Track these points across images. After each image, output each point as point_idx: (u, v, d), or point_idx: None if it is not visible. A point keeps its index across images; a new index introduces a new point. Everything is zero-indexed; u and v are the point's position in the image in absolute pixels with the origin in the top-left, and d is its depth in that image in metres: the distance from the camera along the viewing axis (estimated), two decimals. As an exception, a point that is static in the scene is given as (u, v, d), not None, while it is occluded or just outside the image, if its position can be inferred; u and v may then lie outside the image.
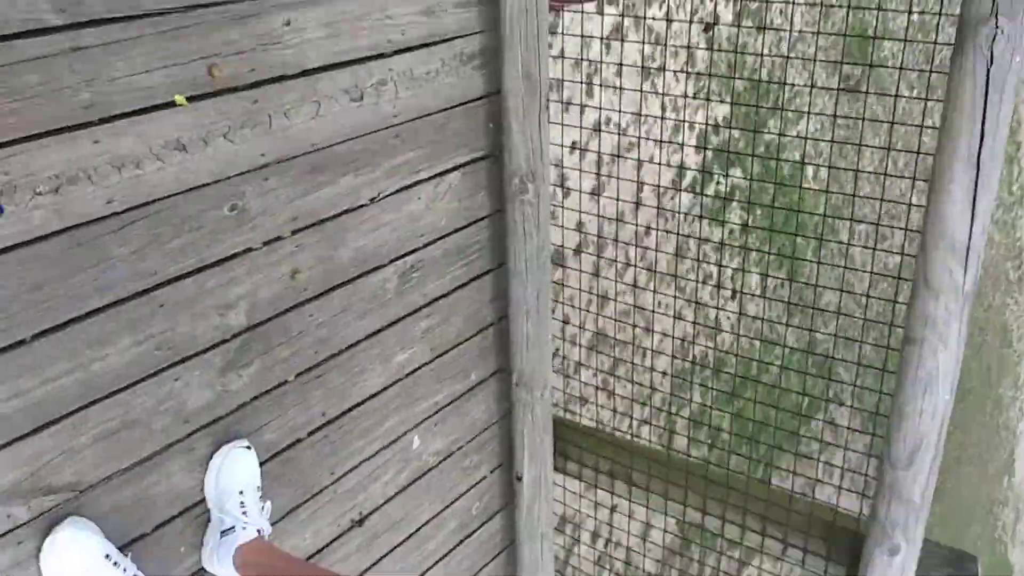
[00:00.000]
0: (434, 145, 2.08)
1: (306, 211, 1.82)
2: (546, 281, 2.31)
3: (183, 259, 1.60)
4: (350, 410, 2.02)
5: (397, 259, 2.06)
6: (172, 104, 1.56)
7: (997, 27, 1.55)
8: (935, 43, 2.03)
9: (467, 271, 2.26)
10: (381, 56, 1.90)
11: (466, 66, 2.10)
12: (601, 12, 4.14)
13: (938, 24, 2.08)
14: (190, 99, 1.60)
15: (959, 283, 1.69)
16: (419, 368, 2.18)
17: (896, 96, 2.23)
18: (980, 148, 1.61)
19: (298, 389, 1.88)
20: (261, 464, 1.82)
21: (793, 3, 2.22)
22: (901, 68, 2.24)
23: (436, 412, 2.27)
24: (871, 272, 2.28)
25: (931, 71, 2.09)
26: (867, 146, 2.53)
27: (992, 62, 1.57)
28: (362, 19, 1.84)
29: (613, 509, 3.69)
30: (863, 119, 2.42)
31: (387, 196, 2.00)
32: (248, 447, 1.75)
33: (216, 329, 1.68)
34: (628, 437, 2.47)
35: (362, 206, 1.95)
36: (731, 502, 2.29)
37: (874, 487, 1.96)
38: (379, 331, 2.04)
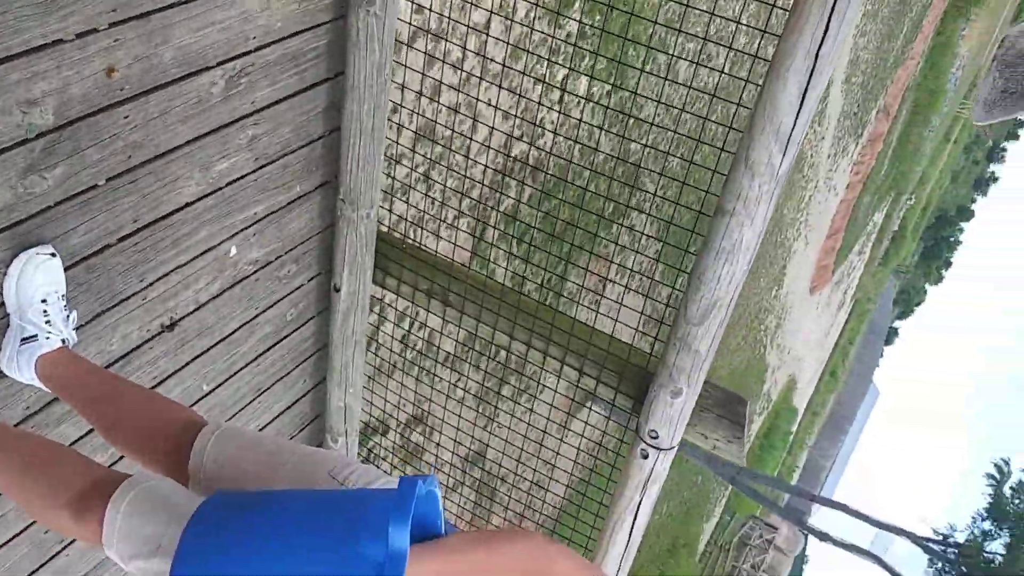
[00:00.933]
0: None
1: (127, 1, 1.63)
2: (384, 100, 2.23)
3: (-21, 47, 1.42)
4: (164, 218, 1.92)
5: (226, 61, 1.91)
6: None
7: None
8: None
9: (300, 79, 2.13)
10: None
11: None
12: None
13: None
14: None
15: (776, 166, 1.78)
16: (241, 178, 2.09)
17: None
18: (822, 42, 1.66)
19: (108, 194, 1.76)
20: (66, 270, 1.73)
21: None
22: None
23: (256, 222, 2.20)
24: (689, 87, 2.36)
25: None
26: None
27: None
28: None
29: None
30: None
31: (214, -6, 1.82)
32: (53, 254, 1.65)
33: (18, 127, 1.53)
34: (449, 261, 2.52)
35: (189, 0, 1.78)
36: (537, 330, 2.42)
37: (667, 333, 2.13)
38: (200, 137, 1.92)
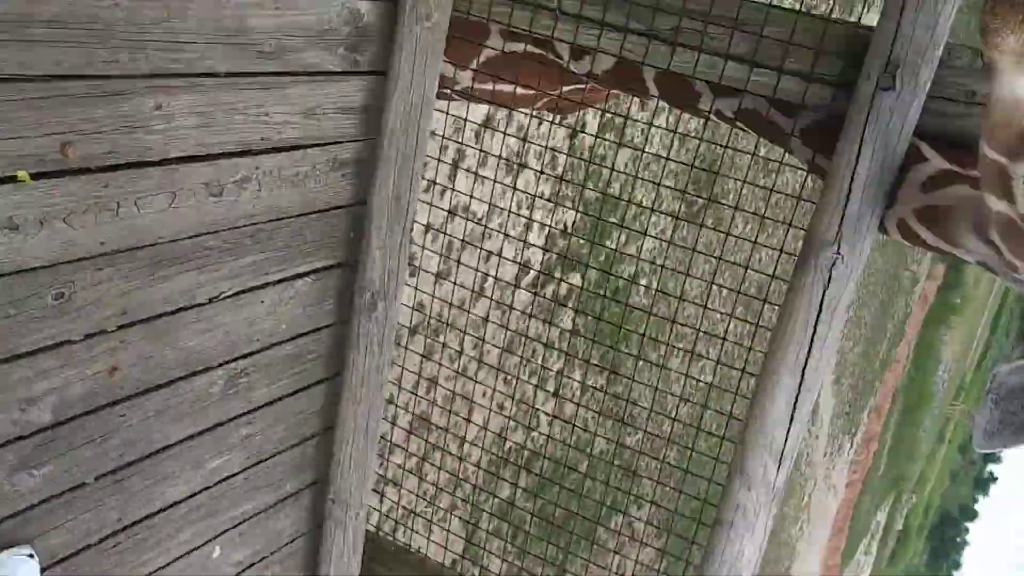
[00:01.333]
0: (288, 249, 2.02)
1: (137, 306, 1.71)
2: (379, 402, 2.26)
3: (-9, 347, 1.46)
4: (149, 517, 1.88)
5: (228, 362, 1.97)
6: (12, 179, 1.45)
7: (838, 253, 1.67)
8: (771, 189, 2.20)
9: (299, 379, 2.18)
10: (249, 153, 1.84)
11: (336, 172, 2.06)
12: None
13: (778, 168, 2.25)
14: (35, 176, 1.48)
15: (772, 479, 1.78)
16: (232, 476, 2.07)
17: (727, 234, 2.32)
18: (807, 360, 1.72)
19: (96, 492, 1.73)
20: (43, 571, 1.65)
21: (651, 125, 2.32)
22: (736, 208, 2.40)
23: (243, 522, 2.15)
24: (680, 398, 2.37)
25: (763, 216, 2.21)
26: (692, 277, 2.68)
27: (829, 284, 1.69)
28: (237, 112, 1.78)
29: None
30: (693, 250, 2.53)
31: (227, 297, 1.91)
32: (31, 555, 1.59)
33: (14, 424, 1.53)
34: (438, 564, 2.43)
35: (198, 305, 1.86)
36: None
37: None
38: (195, 436, 1.93)
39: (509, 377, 6.61)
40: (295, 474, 2.27)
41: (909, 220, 1.63)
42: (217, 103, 1.73)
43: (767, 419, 1.76)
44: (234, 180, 1.82)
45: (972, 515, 61.64)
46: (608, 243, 8.47)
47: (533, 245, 7.44)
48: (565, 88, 2.21)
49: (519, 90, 2.21)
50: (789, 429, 1.75)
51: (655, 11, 1.82)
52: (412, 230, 2.16)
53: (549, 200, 6.66)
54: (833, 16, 1.79)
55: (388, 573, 2.41)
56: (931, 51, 1.58)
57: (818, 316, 1.70)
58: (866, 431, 25.65)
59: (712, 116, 1.97)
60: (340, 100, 1.97)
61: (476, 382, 3.47)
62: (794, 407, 1.74)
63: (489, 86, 2.21)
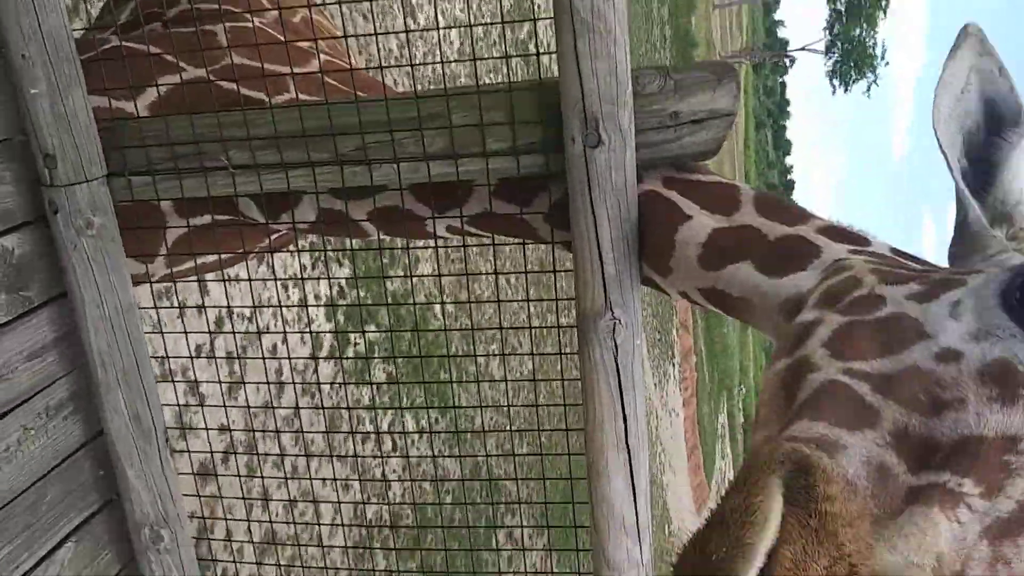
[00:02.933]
0: (30, 529, 1.70)
1: None
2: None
3: None
4: None
5: None
6: None
7: (614, 318, 1.58)
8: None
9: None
10: (-63, 457, 1.52)
11: (56, 419, 1.76)
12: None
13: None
14: None
15: (638, 559, 1.68)
16: None
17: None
18: (626, 431, 1.63)
19: None
20: None
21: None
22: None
23: None
24: (506, 380, 2.24)
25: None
26: (490, 273, 2.57)
27: (618, 351, 1.59)
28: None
29: None
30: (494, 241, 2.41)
31: (-20, 618, 1.58)
32: None
33: None
34: None
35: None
36: None
37: None
38: None
39: (344, 451, 6.32)
40: None
41: (693, 295, 1.54)
42: None
43: (612, 501, 1.65)
44: (-71, 495, 1.49)
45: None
46: (389, 282, 8.27)
47: (312, 320, 7.13)
48: (274, 237, 2.01)
49: (224, 256, 1.99)
50: (636, 503, 1.66)
51: (333, 137, 1.65)
52: (168, 440, 1.88)
53: (314, 267, 6.38)
54: (517, 80, 1.69)
55: None
56: (623, 93, 1.51)
57: (620, 387, 1.61)
58: (681, 348, 26.97)
59: (442, 234, 1.83)
60: (25, 347, 1.67)
61: (311, 479, 3.21)
62: (632, 482, 1.64)
63: (189, 263, 1.97)
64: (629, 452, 1.63)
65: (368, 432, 4.83)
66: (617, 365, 1.60)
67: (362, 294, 7.86)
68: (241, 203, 1.87)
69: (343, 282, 7.66)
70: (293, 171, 1.68)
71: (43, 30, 1.58)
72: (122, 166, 1.73)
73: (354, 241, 2.17)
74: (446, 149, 1.63)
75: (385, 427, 7.90)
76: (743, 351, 46.55)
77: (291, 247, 2.44)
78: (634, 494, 1.66)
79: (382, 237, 1.95)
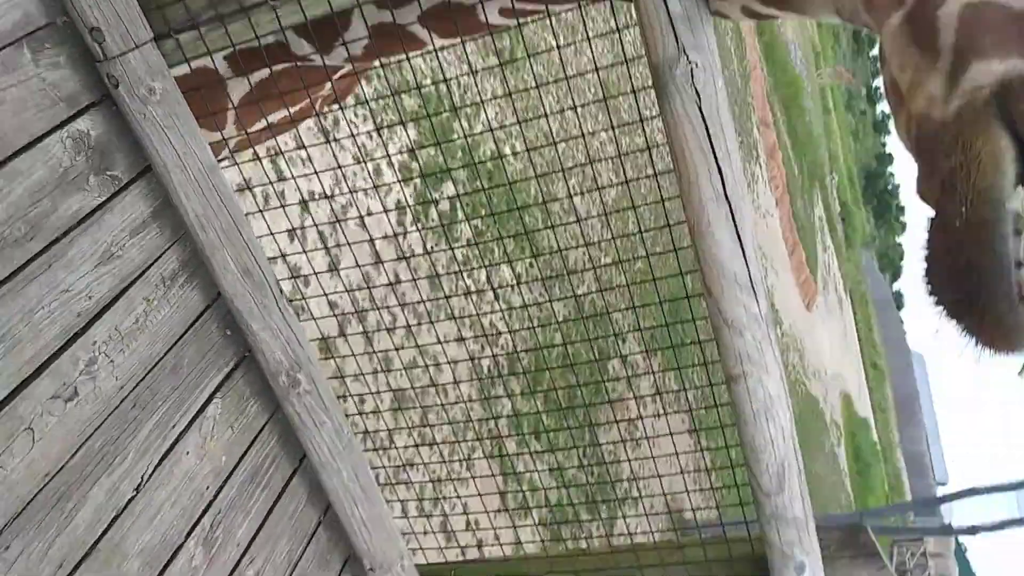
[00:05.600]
0: (178, 390, 1.80)
1: (70, 546, 1.50)
2: (359, 459, 2.10)
3: None
4: None
5: (192, 528, 1.78)
6: None
7: (690, 61, 1.52)
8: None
9: (269, 492, 2.00)
10: (76, 336, 1.60)
11: (173, 288, 1.83)
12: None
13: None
14: None
15: (756, 313, 1.68)
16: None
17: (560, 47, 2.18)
18: (723, 183, 1.59)
19: None
20: None
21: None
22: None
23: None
24: (602, 215, 2.25)
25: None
26: (545, 116, 2.54)
27: (700, 97, 1.54)
28: (36, 310, 1.53)
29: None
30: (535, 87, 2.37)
31: (151, 475, 1.70)
32: None
33: None
34: (503, 558, 2.33)
35: (129, 501, 1.65)
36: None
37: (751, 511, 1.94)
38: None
39: (450, 308, 6.48)
40: (324, 569, 2.12)
41: (753, 5, 1.47)
42: (8, 318, 1.48)
43: (720, 259, 1.63)
44: (80, 371, 1.59)
45: (888, 159, 64.54)
46: (455, 137, 8.20)
47: (391, 183, 7.16)
48: (336, 78, 1.98)
49: (292, 109, 1.98)
50: (746, 257, 1.64)
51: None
52: (282, 291, 1.95)
53: (379, 130, 6.35)
54: None
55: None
56: None
57: (709, 136, 1.56)
58: (765, 145, 26.24)
59: (495, 20, 1.77)
60: (127, 223, 1.73)
61: (418, 348, 3.33)
62: (738, 235, 1.62)
63: (261, 123, 1.97)
64: (730, 204, 1.60)
65: (469, 291, 4.90)
66: (702, 113, 1.55)
67: (432, 153, 7.83)
68: (292, 42, 1.85)
69: (411, 141, 7.63)
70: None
71: None
72: (165, 27, 1.72)
73: (413, 102, 2.12)
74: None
75: (482, 282, 8.02)
76: (830, 137, 44.95)
77: (355, 90, 2.41)
78: (742, 247, 1.64)
79: (437, 44, 1.90)
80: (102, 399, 1.63)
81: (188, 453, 1.80)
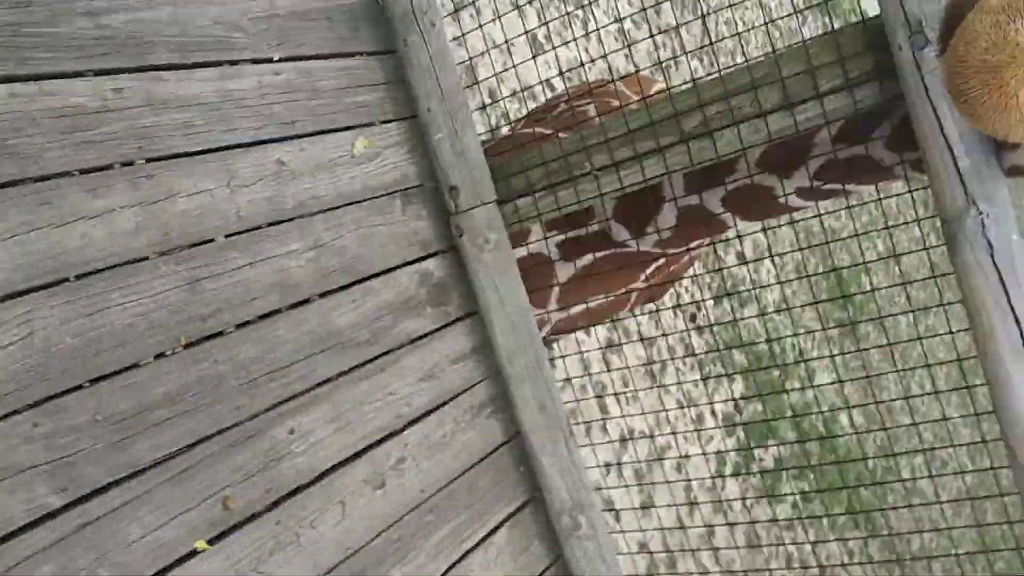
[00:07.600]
0: (470, 509, 1.96)
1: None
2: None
3: None
4: None
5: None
6: (195, 552, 1.47)
7: (980, 212, 1.53)
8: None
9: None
10: (393, 434, 1.85)
11: (479, 417, 2.05)
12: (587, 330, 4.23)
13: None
14: (212, 540, 1.51)
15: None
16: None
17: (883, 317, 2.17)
18: (1021, 335, 1.52)
19: None
20: None
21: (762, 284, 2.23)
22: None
23: None
24: (939, 502, 2.08)
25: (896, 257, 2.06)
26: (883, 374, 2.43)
27: (993, 249, 1.53)
28: (366, 403, 1.81)
29: None
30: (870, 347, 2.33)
31: (439, 577, 1.84)
32: None
33: None
34: None
35: (414, 601, 1.79)
36: None
37: None
38: None
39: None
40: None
41: None
42: (343, 404, 1.77)
43: (1022, 415, 1.53)
44: (390, 465, 1.82)
45: None
46: (786, 395, 8.04)
47: (712, 429, 7.12)
48: (649, 271, 2.21)
49: (610, 296, 2.22)
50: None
51: (678, 118, 1.84)
52: (573, 434, 2.09)
53: (705, 380, 6.43)
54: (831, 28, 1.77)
55: None
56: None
57: (1005, 288, 1.53)
58: None
59: (795, 203, 1.92)
60: (450, 351, 2.00)
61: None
62: None
63: (580, 308, 2.23)
64: (1031, 357, 1.52)
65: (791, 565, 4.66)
66: (995, 264, 1.53)
67: (759, 408, 7.73)
68: (612, 228, 2.11)
69: (737, 393, 7.61)
70: (646, 160, 1.89)
71: (442, 87, 2.00)
72: (508, 195, 2.06)
73: (746, 356, 2.29)
74: (781, 101, 1.74)
75: (808, 552, 7.47)
76: None
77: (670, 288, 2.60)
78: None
79: (739, 229, 2.06)
80: (405, 496, 1.83)
81: (473, 572, 1.92)
